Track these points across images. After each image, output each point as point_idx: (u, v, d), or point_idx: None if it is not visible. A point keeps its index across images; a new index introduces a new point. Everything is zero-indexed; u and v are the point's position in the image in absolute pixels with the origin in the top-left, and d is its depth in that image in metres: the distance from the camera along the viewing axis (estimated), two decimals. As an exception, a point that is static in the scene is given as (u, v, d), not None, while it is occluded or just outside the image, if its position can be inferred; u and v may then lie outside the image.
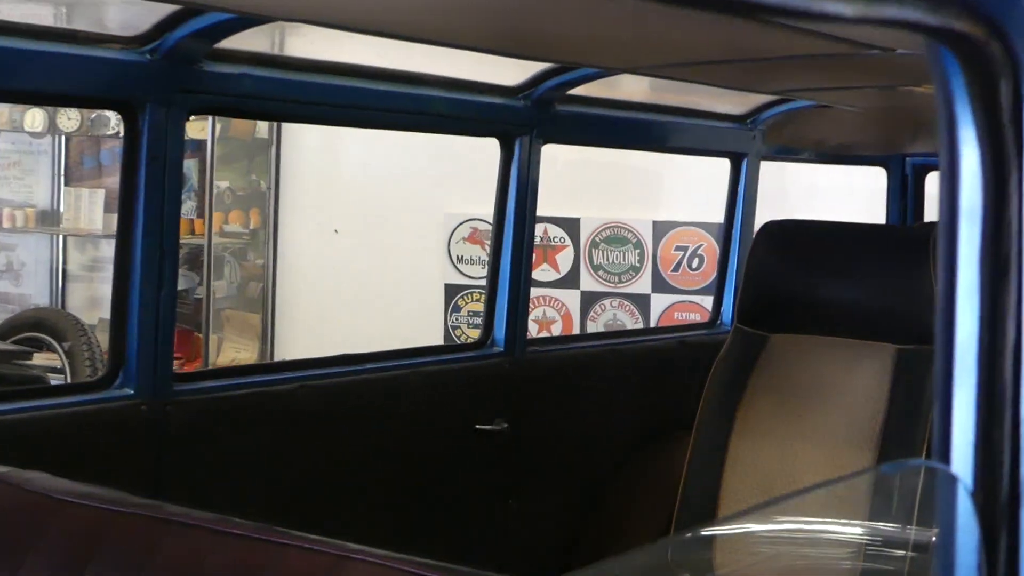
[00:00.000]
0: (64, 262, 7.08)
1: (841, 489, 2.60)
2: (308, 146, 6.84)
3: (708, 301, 5.27)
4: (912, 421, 2.65)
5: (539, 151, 3.14)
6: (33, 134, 6.82)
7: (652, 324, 5.29)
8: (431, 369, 3.07)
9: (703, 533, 2.69)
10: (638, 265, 5.43)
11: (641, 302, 5.34)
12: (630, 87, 3.56)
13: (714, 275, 5.38)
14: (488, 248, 6.01)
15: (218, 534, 1.29)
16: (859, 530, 2.54)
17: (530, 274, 3.21)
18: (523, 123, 3.13)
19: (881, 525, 2.61)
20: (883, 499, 2.69)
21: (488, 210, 5.90)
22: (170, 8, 2.41)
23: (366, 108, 3.00)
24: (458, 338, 6.14)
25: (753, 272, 3.03)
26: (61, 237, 7.05)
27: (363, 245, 6.48)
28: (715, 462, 2.84)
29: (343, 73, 2.88)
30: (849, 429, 2.71)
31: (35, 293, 6.95)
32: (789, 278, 3.00)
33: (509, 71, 3.10)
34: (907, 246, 2.87)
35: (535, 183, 3.16)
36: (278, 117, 2.51)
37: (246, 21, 2.53)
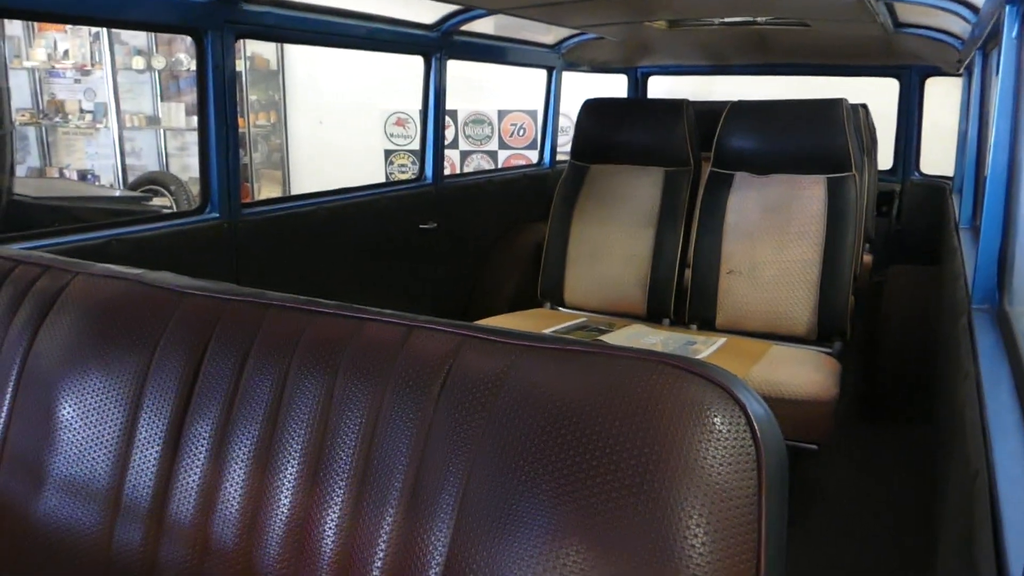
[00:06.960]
0: (165, 145, 7.59)
1: (633, 250, 3.70)
2: (300, 72, 7.28)
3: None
4: (678, 211, 3.46)
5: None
6: (138, 71, 7.39)
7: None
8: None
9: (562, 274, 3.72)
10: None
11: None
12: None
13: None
14: (406, 128, 6.81)
15: (309, 312, 1.20)
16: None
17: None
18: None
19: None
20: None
21: (405, 106, 6.72)
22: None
23: (339, 35, 3.16)
24: (389, 176, 6.88)
25: (580, 130, 3.71)
26: (162, 131, 7.53)
27: (336, 129, 7.15)
28: (561, 241, 3.62)
29: (327, 12, 3.05)
30: (639, 216, 3.44)
31: (149, 164, 7.51)
32: (600, 132, 3.67)
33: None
34: (665, 112, 3.61)
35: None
36: (286, 40, 2.85)
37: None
